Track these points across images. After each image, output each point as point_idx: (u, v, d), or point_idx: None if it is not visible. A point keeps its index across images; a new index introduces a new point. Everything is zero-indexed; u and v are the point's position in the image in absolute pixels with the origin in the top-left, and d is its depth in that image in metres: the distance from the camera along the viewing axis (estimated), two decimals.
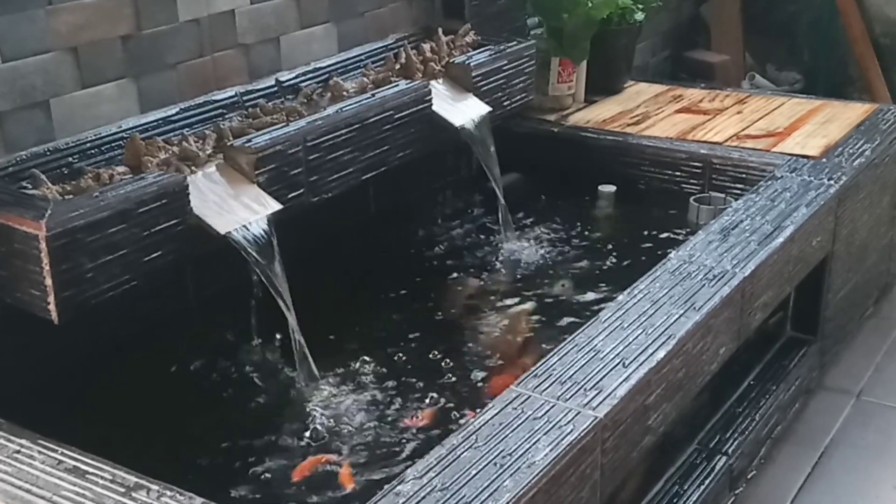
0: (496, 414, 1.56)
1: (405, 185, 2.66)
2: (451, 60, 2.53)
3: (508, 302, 2.37)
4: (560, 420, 1.54)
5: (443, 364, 2.10)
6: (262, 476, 1.79)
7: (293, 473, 1.80)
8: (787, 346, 2.50)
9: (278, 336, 2.07)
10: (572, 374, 1.66)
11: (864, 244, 2.66)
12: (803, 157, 2.61)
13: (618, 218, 2.76)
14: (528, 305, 2.34)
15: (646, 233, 2.63)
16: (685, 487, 1.98)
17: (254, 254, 1.90)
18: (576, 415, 1.55)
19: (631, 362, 1.69)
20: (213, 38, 2.25)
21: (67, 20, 1.97)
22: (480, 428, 1.52)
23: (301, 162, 2.08)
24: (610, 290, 2.31)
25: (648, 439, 1.73)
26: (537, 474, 1.43)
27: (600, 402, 1.58)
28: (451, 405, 1.97)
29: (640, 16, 3.15)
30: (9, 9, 1.87)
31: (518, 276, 2.48)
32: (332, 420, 1.92)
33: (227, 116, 2.23)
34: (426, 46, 2.60)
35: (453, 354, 2.14)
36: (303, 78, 2.44)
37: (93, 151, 2.00)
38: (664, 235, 2.58)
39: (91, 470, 1.48)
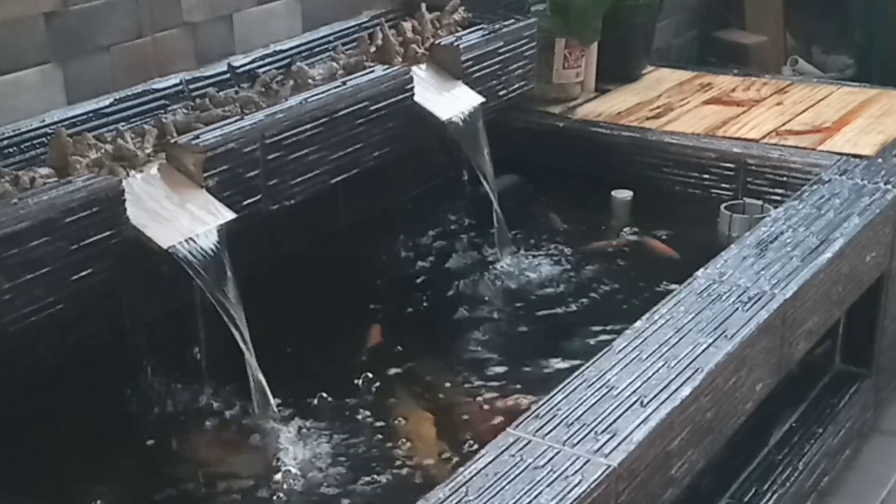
0: (490, 462, 1.56)
1: (382, 191, 2.67)
2: (436, 42, 2.55)
3: (501, 326, 2.38)
4: (566, 469, 1.55)
5: (424, 398, 2.13)
6: None
7: None
8: (836, 381, 2.51)
9: (231, 369, 2.07)
10: (581, 415, 1.66)
11: None
12: (855, 156, 2.64)
13: (635, 229, 2.77)
14: (525, 330, 2.36)
15: (668, 246, 2.65)
16: None
17: (202, 272, 1.90)
18: (585, 463, 1.56)
19: (650, 401, 1.70)
20: (153, 16, 2.26)
21: None
22: (472, 479, 1.53)
23: (258, 162, 2.09)
24: (625, 316, 2.32)
25: (671, 492, 1.74)
26: None
27: (614, 448, 1.59)
28: (432, 445, 1.99)
29: None
30: None
31: (514, 299, 2.49)
32: (295, 467, 1.93)
33: (170, 108, 2.24)
34: (407, 25, 2.62)
35: (434, 388, 2.16)
36: (260, 63, 2.45)
37: (10, 150, 2.00)
38: (690, 250, 2.59)
39: None
